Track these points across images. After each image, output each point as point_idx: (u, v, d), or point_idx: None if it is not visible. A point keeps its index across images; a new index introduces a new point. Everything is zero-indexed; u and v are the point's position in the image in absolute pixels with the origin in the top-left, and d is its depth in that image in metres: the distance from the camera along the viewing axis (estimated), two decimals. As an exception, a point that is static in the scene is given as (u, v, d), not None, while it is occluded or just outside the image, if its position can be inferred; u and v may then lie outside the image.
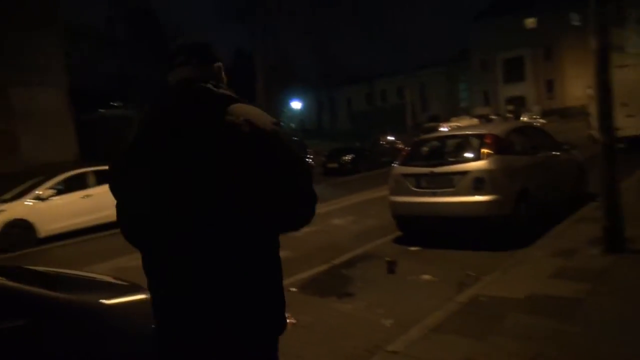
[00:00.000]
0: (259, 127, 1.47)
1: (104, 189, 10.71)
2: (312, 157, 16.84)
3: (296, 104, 58.31)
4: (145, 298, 2.75)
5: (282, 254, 1.67)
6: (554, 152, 7.53)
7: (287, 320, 4.15)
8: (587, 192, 8.20)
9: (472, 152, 6.42)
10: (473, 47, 55.75)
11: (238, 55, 69.95)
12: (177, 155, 1.46)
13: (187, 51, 1.62)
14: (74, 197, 10.31)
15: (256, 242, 1.49)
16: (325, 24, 47.27)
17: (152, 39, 38.51)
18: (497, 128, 7.12)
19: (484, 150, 6.21)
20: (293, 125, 67.62)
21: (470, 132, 7.22)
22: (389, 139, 20.11)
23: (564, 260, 4.94)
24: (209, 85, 1.54)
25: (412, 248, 6.44)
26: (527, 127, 8.26)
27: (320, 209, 3.14)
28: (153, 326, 2.60)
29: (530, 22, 51.61)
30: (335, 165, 17.93)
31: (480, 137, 6.56)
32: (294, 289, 5.19)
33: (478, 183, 6.00)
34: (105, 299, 2.58)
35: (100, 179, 10.84)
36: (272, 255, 1.56)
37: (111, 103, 41.81)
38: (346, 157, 17.89)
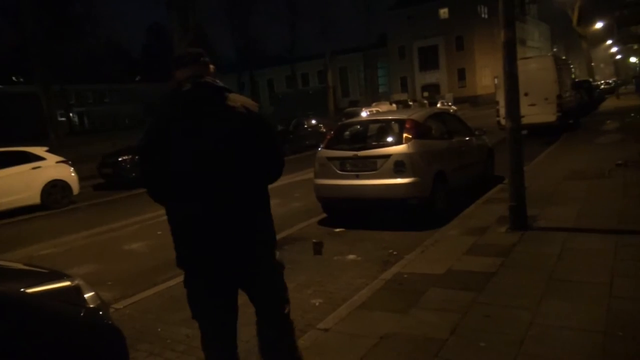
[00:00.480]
0: (252, 110, 2.13)
1: (7, 172, 9.89)
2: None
3: (216, 85, 56.56)
4: (69, 285, 2.63)
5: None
6: (467, 138, 8.04)
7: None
8: (494, 175, 8.87)
9: (394, 137, 6.70)
10: (391, 34, 57.31)
11: (153, 30, 66.55)
12: (194, 131, 2.06)
13: (191, 56, 2.20)
14: (-30, 181, 9.41)
15: (254, 189, 2.18)
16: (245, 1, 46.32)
17: (57, 10, 35.59)
18: (417, 114, 7.46)
19: (405, 135, 6.50)
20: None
21: (391, 117, 7.51)
22: (312, 123, 20.25)
23: (476, 238, 5.34)
24: (210, 79, 2.15)
25: (337, 229, 6.64)
26: (444, 113, 8.72)
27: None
28: (82, 314, 2.51)
29: (443, 12, 53.96)
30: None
31: (401, 122, 6.85)
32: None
33: (399, 166, 6.28)
34: (27, 287, 2.43)
35: (2, 161, 9.94)
36: (265, 197, 2.26)
37: (12, 78, 38.25)
38: (269, 140, 17.80)
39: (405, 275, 4.38)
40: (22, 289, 2.38)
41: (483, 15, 54.98)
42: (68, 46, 39.38)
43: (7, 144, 12.21)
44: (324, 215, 7.28)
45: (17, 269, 3.07)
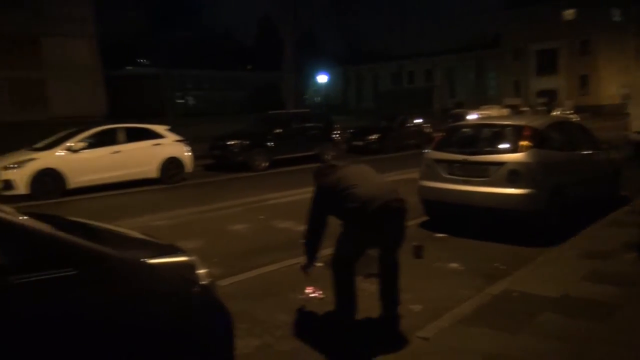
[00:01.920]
0: None
1: (134, 146, 10.84)
2: (338, 132, 16.64)
3: (322, 78, 57.55)
4: (185, 261, 2.72)
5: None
6: (591, 151, 7.32)
7: (315, 294, 4.15)
8: (619, 195, 8.01)
9: (509, 143, 6.28)
10: (505, 34, 54.14)
11: (263, 23, 69.33)
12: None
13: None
14: (103, 152, 10.42)
15: None
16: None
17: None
18: (537, 121, 6.93)
19: (522, 143, 6.07)
20: (318, 99, 67.19)
21: (508, 123, 7.06)
22: (416, 122, 19.79)
23: (597, 262, 4.83)
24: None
25: (439, 234, 6.38)
26: (566, 122, 8.06)
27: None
28: (195, 289, 2.57)
29: (569, 13, 49.74)
30: (360, 143, 17.71)
31: (518, 128, 6.41)
32: (320, 264, 5.19)
33: (513, 175, 5.89)
34: (147, 257, 2.50)
35: (130, 136, 10.92)
36: None
37: (139, 60, 41.73)
38: (372, 137, 17.66)
39: (515, 294, 4.07)
40: (142, 259, 2.47)
41: (615, 19, 50.02)
42: (188, 35, 42.25)
43: (131, 120, 13.34)
44: (426, 218, 7.05)
45: (137, 238, 3.21)
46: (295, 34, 24.47)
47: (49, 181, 9.64)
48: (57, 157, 9.88)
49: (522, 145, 6.05)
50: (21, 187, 9.35)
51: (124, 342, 2.10)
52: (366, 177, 3.66)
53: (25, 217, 2.27)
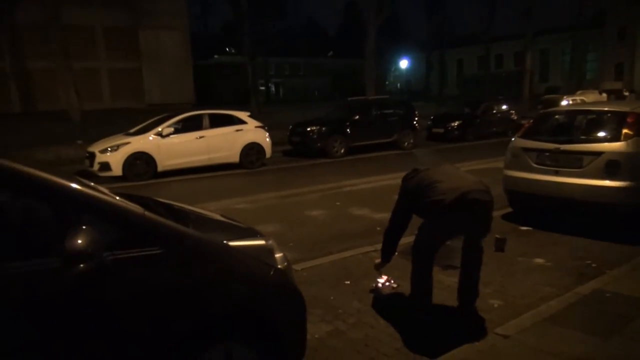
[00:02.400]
0: None
1: (217, 132, 11.29)
2: (417, 119, 16.21)
3: (404, 63, 56.34)
4: (263, 244, 2.77)
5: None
6: None
7: (388, 284, 4.09)
8: None
9: (609, 132, 5.77)
10: (610, 13, 49.57)
11: (348, 10, 69.22)
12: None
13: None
14: (190, 137, 10.95)
15: None
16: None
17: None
18: (642, 107, 6.30)
19: (625, 131, 5.54)
20: (399, 85, 66.05)
21: (607, 109, 6.48)
22: (503, 108, 18.78)
23: None
24: None
25: (523, 227, 6.05)
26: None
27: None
28: (272, 273, 2.62)
29: (688, -15, 44.53)
30: (440, 130, 17.15)
31: (620, 115, 5.86)
32: (395, 253, 5.12)
33: (612, 166, 5.41)
34: (228, 240, 2.58)
35: (214, 122, 11.39)
36: None
37: (226, 49, 43.31)
38: (453, 124, 17.02)
39: (608, 295, 3.75)
40: (224, 241, 2.55)
41: None
42: (273, 24, 43.02)
43: (217, 106, 13.92)
44: (510, 209, 6.70)
45: (220, 220, 3.32)
46: (378, 19, 24.05)
47: (140, 164, 10.32)
48: (148, 141, 10.52)
49: (625, 134, 5.53)
50: (116, 169, 10.09)
51: (200, 319, 2.19)
52: (450, 174, 3.68)
53: (117, 198, 2.42)
